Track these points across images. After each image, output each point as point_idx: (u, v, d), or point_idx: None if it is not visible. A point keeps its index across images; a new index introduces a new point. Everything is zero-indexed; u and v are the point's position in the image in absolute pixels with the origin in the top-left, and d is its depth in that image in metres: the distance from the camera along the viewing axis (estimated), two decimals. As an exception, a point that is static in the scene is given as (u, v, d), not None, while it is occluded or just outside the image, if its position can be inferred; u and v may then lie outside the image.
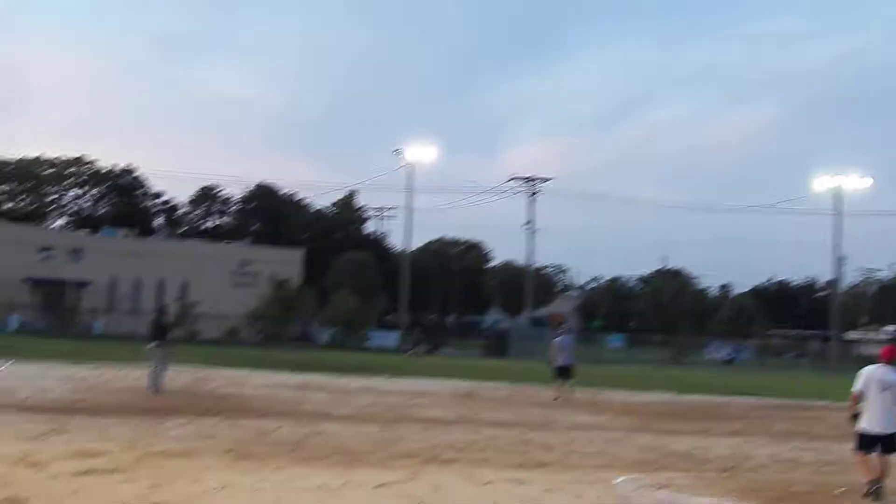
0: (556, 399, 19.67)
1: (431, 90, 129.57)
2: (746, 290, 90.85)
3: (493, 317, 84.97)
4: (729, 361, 58.58)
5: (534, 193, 62.09)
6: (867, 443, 9.37)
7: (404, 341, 51.78)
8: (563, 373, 20.25)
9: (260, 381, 20.97)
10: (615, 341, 66.27)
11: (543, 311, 79.31)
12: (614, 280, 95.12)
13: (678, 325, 69.01)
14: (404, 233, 66.33)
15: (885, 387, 9.30)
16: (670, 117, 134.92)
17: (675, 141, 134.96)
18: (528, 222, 61.27)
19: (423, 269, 74.22)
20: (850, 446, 9.73)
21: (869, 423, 9.37)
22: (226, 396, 16.65)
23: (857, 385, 9.44)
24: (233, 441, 10.60)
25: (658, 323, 75.52)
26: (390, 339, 54.99)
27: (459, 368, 32.52)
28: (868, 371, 9.45)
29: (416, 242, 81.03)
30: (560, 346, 20.58)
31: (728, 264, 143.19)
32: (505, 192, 79.24)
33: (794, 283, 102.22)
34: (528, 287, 62.27)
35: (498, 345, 54.05)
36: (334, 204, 77.93)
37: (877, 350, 10.46)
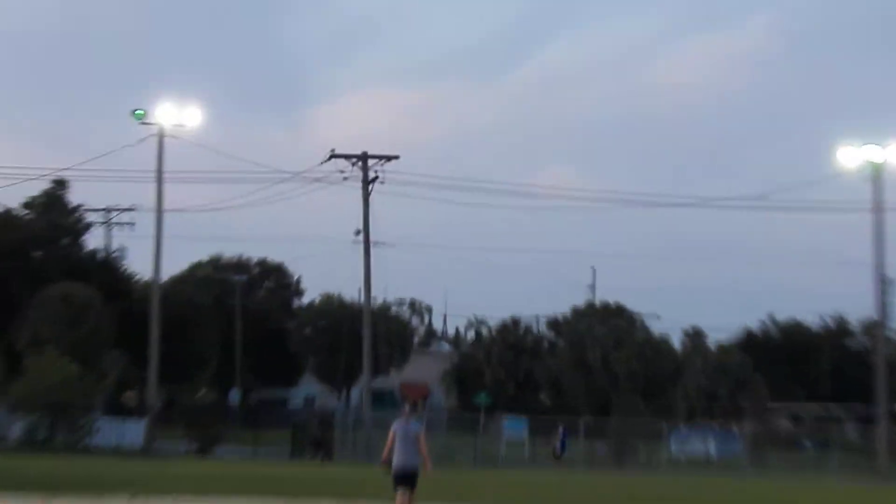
0: None
1: (197, 13, 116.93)
2: (730, 337, 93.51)
3: (307, 390, 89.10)
4: (706, 460, 62.02)
5: (370, 181, 62.14)
6: None
7: (150, 434, 55.35)
8: (406, 481, 21.04)
9: None
10: (513, 427, 65.55)
11: (392, 380, 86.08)
12: (511, 324, 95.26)
13: (620, 400, 72.52)
14: (154, 251, 63.46)
15: None
16: (597, 50, 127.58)
17: (605, 88, 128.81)
18: (360, 231, 62.21)
19: (187, 312, 74.74)
20: None
21: None
22: None
23: None
24: None
25: (585, 396, 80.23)
26: (133, 431, 57.19)
27: (247, 481, 33.60)
28: None
29: (175, 266, 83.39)
30: (402, 436, 21.26)
31: (698, 296, 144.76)
32: (321, 179, 65.78)
33: (809, 325, 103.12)
34: (365, 339, 62.66)
35: (314, 438, 57.22)
36: (29, 203, 74.17)
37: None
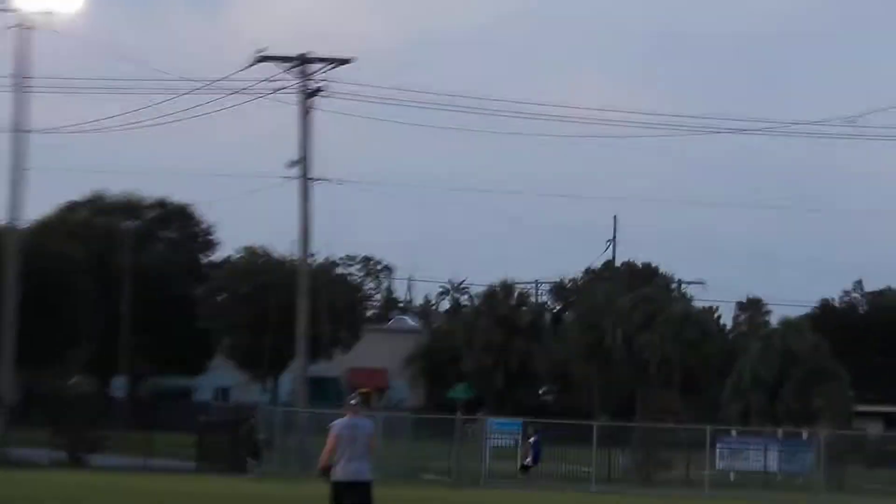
0: None
1: None
2: (800, 312, 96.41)
3: (219, 378, 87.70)
4: (766, 477, 62.99)
5: (311, 94, 62.24)
6: None
7: (2, 437, 56.24)
8: (355, 496, 21.56)
9: None
10: (503, 428, 65.94)
11: (337, 366, 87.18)
12: (501, 291, 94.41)
13: (649, 398, 73.57)
14: (10, 186, 62.30)
15: None
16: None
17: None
18: (296, 162, 61.76)
19: (56, 270, 75.12)
20: None
21: None
22: None
23: None
24: None
25: (601, 392, 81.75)
26: None
27: (144, 497, 35.06)
28: None
29: (40, 208, 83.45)
30: (349, 438, 21.71)
31: (758, 257, 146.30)
32: (244, 90, 68.16)
33: None
34: (300, 311, 61.38)
35: (232, 444, 58.20)
36: None
37: None
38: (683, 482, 59.67)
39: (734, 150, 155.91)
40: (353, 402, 23.55)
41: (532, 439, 58.68)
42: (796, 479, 63.04)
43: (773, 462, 65.81)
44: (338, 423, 22.09)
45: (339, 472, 21.59)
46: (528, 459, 57.98)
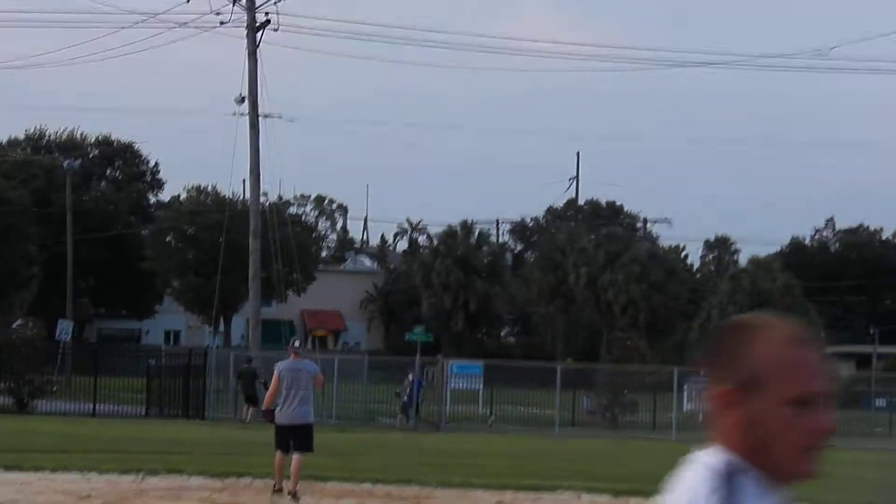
0: (275, 493, 22.89)
1: None
2: (770, 251, 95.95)
3: (168, 321, 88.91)
4: None
5: (260, 27, 62.18)
6: None
7: None
8: (294, 439, 22.74)
9: None
10: (464, 371, 66.17)
11: (291, 308, 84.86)
12: (460, 231, 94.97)
13: (614, 340, 72.18)
14: None
15: None
16: None
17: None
18: (244, 98, 62.59)
19: None
20: None
21: None
22: None
23: None
24: None
25: (565, 334, 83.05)
26: None
27: (92, 442, 35.04)
28: None
29: None
30: (292, 380, 22.85)
31: (726, 195, 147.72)
32: (187, 23, 68.09)
33: (883, 234, 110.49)
34: (252, 251, 63.56)
35: (182, 389, 58.55)
36: None
37: None
38: (650, 425, 59.94)
39: (701, 84, 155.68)
40: (295, 344, 25.10)
41: (410, 377, 58.88)
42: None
43: (741, 404, 66.18)
44: (280, 364, 23.35)
45: (281, 416, 22.77)
46: (404, 397, 57.81)
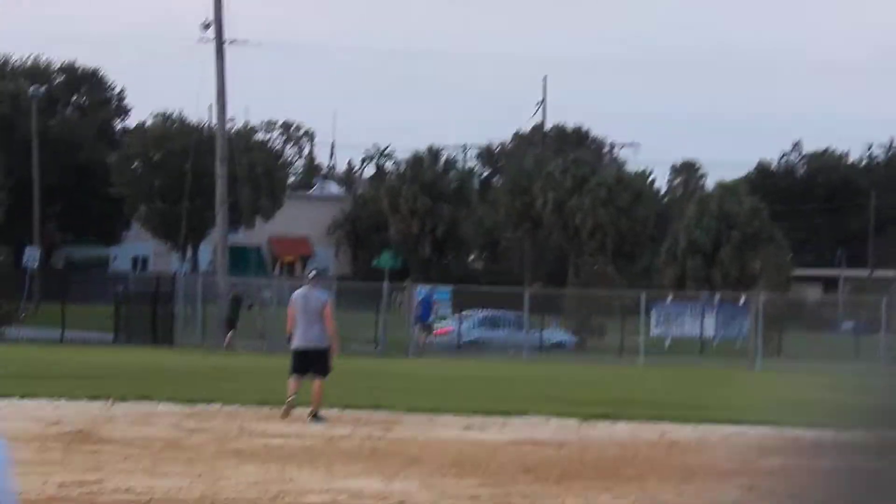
0: (286, 415, 23.34)
1: None
2: (737, 175, 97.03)
3: (136, 248, 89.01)
4: (702, 343, 63.84)
5: None
6: None
7: None
8: (308, 363, 23.59)
9: None
10: (433, 298, 64.45)
11: (258, 234, 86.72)
12: (427, 156, 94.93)
13: (581, 264, 74.64)
14: None
15: None
16: None
17: None
18: (210, 24, 62.19)
19: None
20: None
21: None
22: None
23: None
24: None
25: (532, 259, 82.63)
26: None
27: (62, 369, 35.50)
28: None
29: None
30: (303, 308, 23.99)
31: (693, 119, 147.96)
32: None
33: (850, 158, 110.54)
34: (219, 178, 62.52)
35: (151, 315, 58.78)
36: None
37: None
38: (618, 349, 60.20)
39: (665, 10, 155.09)
40: (310, 275, 26.61)
41: (420, 293, 59.05)
42: (733, 345, 63.23)
43: (709, 327, 66.16)
44: (294, 294, 24.68)
45: (295, 341, 23.95)
46: (419, 315, 57.87)
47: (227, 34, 62.59)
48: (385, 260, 77.39)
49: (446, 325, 61.85)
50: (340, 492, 15.26)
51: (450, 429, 23.17)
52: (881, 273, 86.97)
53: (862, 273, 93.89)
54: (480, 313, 64.85)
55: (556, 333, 63.95)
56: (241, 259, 69.78)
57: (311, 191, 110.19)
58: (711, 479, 17.53)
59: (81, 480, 15.67)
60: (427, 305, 59.26)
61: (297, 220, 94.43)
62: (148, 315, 58.42)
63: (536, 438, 21.95)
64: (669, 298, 69.78)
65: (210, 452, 19.13)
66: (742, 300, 68.37)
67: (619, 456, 19.78)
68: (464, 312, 64.32)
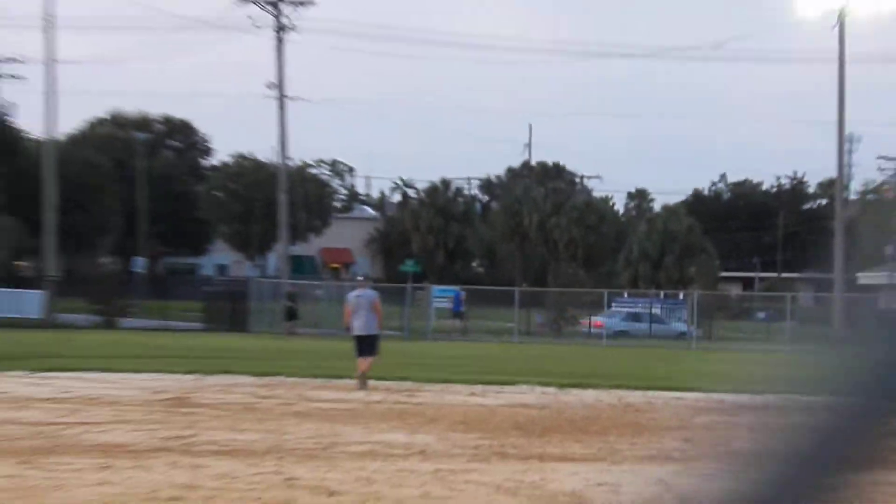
0: (362, 385, 23.32)
1: None
2: (676, 201, 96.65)
3: (218, 258, 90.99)
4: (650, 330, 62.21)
5: (283, 29, 62.14)
6: None
7: (49, 305, 55.10)
8: (363, 346, 23.62)
9: None
10: (444, 294, 65.24)
11: (311, 246, 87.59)
12: (441, 186, 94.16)
13: (558, 269, 72.86)
14: (45, 104, 59.64)
15: None
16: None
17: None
18: (274, 84, 63.12)
19: (85, 174, 73.31)
20: None
21: None
22: None
23: None
24: None
25: (521, 265, 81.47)
26: (30, 303, 56.49)
27: (162, 350, 35.24)
28: None
29: (70, 125, 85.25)
30: (356, 304, 24.00)
31: (644, 156, 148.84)
32: (229, 27, 65.89)
33: (764, 186, 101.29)
34: (281, 204, 63.24)
35: (230, 309, 58.29)
36: None
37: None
38: (586, 334, 60.19)
39: (623, 70, 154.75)
40: (360, 279, 27.35)
41: (458, 294, 60.15)
42: (674, 330, 62.66)
43: (656, 317, 65.71)
44: (349, 294, 25.31)
45: (354, 329, 24.09)
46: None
47: (288, 91, 62.58)
48: (409, 266, 76.67)
49: (598, 320, 61.08)
50: (377, 443, 15.25)
51: (458, 395, 23.09)
52: (787, 275, 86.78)
53: (772, 275, 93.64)
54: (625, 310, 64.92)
55: (679, 325, 63.60)
56: (298, 266, 69.51)
57: (352, 213, 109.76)
58: (657, 433, 17.44)
59: (179, 435, 15.70)
60: (458, 301, 60.71)
61: (341, 235, 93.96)
62: (228, 309, 58.16)
63: (524, 402, 21.88)
64: (626, 295, 69.44)
65: (277, 413, 19.09)
66: (681, 296, 68.12)
67: (587, 416, 19.72)
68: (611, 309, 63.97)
